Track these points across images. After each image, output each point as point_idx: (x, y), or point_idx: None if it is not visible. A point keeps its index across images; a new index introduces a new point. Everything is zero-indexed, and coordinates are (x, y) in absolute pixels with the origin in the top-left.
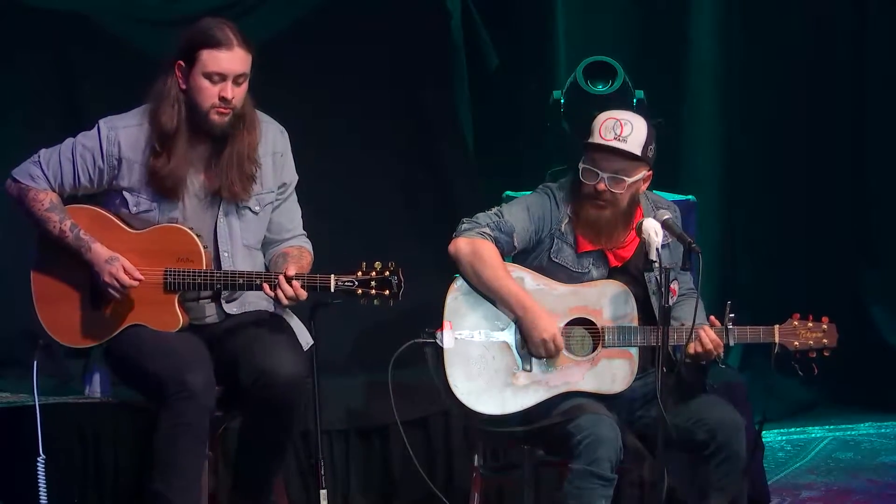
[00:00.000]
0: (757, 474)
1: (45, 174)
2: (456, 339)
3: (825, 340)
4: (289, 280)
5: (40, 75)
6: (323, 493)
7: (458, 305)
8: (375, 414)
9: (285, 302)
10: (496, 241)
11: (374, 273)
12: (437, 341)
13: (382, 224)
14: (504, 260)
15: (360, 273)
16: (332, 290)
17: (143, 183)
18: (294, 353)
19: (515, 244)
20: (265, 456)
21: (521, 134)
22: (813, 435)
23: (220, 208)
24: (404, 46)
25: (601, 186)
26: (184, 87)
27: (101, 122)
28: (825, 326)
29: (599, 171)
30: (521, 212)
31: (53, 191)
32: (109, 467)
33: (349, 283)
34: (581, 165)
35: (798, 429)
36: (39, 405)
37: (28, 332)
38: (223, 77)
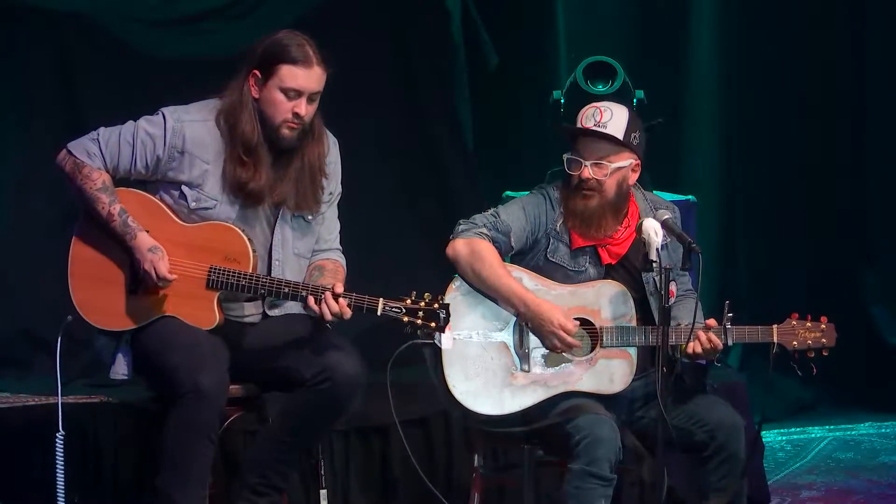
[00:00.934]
0: (757, 474)
1: (101, 153)
2: (454, 339)
3: (824, 340)
4: (336, 297)
5: (40, 75)
6: (323, 493)
7: (457, 306)
8: (375, 414)
9: (329, 318)
10: (493, 241)
11: (422, 303)
12: (436, 342)
13: (382, 224)
14: (503, 260)
15: (408, 301)
16: (379, 313)
17: (204, 179)
18: (357, 354)
19: (513, 244)
20: (297, 452)
21: (521, 134)
22: (813, 435)
23: (279, 218)
24: (404, 46)
25: (585, 173)
26: (256, 96)
27: (166, 112)
28: (824, 326)
29: (582, 159)
30: (517, 212)
31: (107, 171)
32: (109, 467)
33: (396, 310)
34: (565, 157)
35: (798, 429)
36: (57, 379)
37: (24, 331)
38: (299, 94)
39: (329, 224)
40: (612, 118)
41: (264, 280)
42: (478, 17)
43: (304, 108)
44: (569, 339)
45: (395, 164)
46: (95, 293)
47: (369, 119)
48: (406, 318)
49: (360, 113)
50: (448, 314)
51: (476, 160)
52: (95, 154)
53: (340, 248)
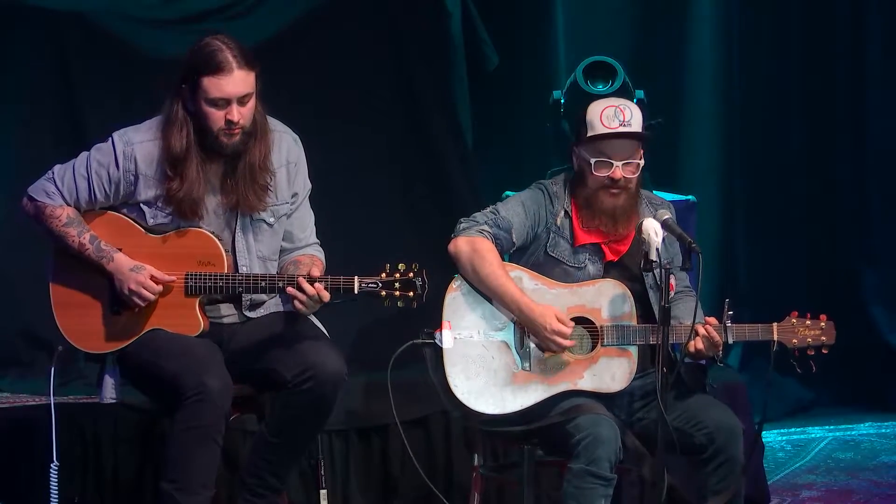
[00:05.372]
0: (757, 474)
1: (59, 190)
2: (455, 339)
3: (823, 338)
4: (311, 282)
5: (40, 75)
6: (323, 493)
7: (457, 305)
8: (375, 414)
9: (307, 303)
10: (495, 239)
11: (397, 274)
12: (437, 341)
13: (382, 224)
14: (503, 258)
15: (383, 275)
16: (356, 291)
17: (161, 198)
18: (337, 350)
19: (514, 240)
20: (289, 453)
21: (521, 133)
22: (813, 435)
23: (237, 223)
24: (404, 46)
25: (616, 174)
26: (192, 110)
27: (116, 136)
28: (823, 324)
29: (612, 160)
30: (516, 207)
31: (70, 205)
32: (109, 467)
33: (373, 285)
34: (592, 160)
35: (798, 429)
36: (51, 408)
37: (25, 331)
38: (227, 101)
39: (300, 222)
40: (633, 115)
41: (241, 278)
42: (477, 16)
43: (237, 114)
44: (564, 341)
45: (394, 164)
46: (81, 320)
47: (369, 119)
48: (383, 292)
49: (359, 113)
50: (425, 280)
51: (476, 160)
52: (54, 192)
53: (318, 241)
